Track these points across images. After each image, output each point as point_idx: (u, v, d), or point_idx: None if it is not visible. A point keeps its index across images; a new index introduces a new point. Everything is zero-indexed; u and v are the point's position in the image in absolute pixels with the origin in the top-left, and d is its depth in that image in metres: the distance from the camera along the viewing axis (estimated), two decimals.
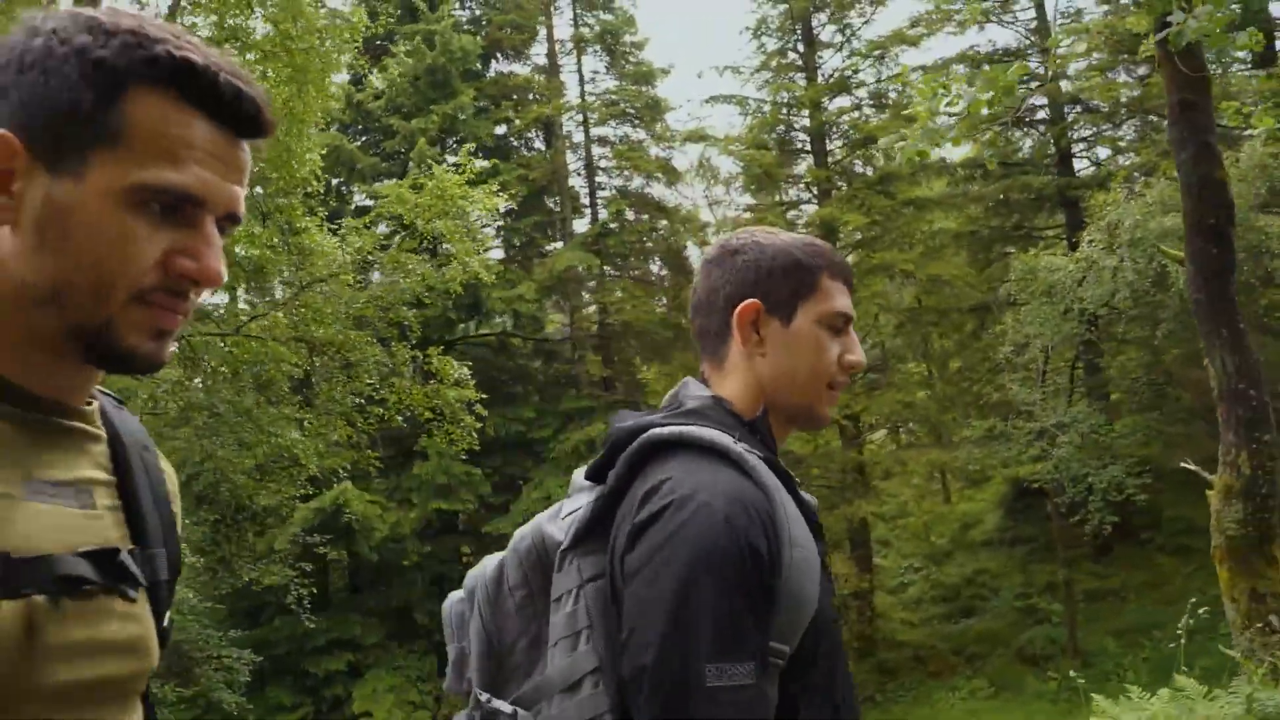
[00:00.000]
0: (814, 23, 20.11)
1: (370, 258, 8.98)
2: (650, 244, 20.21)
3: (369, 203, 18.58)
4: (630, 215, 20.87)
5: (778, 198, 20.66)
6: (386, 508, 17.59)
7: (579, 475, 1.34)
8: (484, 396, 10.75)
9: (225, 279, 0.86)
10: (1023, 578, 18.95)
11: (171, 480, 1.03)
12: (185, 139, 0.82)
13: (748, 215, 20.50)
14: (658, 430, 1.20)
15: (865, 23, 20.06)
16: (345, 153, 18.46)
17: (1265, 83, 12.20)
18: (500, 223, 21.75)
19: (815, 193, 20.18)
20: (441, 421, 10.08)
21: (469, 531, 20.06)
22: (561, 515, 1.27)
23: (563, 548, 1.21)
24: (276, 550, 16.36)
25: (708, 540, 1.08)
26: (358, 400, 9.64)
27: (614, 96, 20.70)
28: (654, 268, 21.04)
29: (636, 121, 21.30)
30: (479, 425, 10.36)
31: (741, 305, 1.32)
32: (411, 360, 9.70)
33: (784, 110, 20.15)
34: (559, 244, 20.24)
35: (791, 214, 20.56)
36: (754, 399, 1.32)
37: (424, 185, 9.35)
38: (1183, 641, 4.57)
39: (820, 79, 19.83)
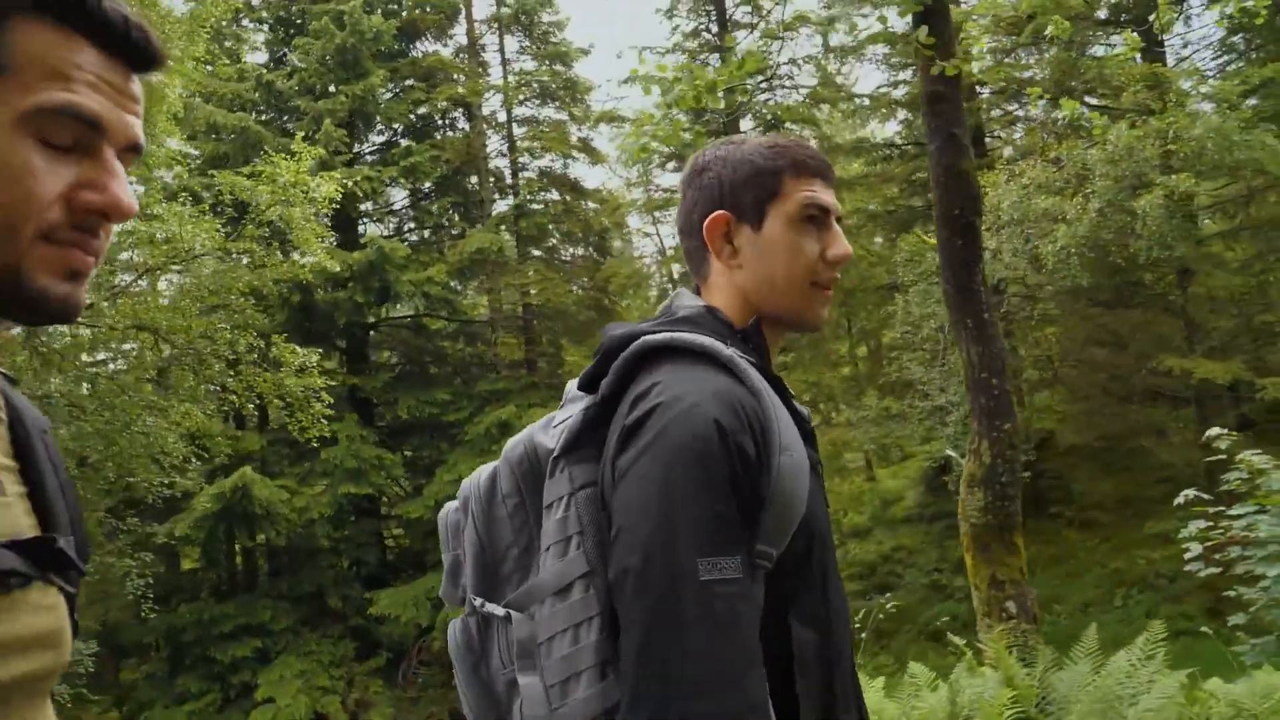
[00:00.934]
0: (728, 2, 20.01)
1: (207, 245, 8.83)
2: (568, 225, 20.08)
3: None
4: (554, 196, 20.74)
5: None
6: (297, 492, 17.48)
7: (571, 386, 1.34)
8: (332, 384, 10.65)
9: (136, 211, 0.82)
10: (938, 553, 19.17)
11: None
12: (75, 62, 0.79)
13: (663, 195, 20.44)
14: (650, 336, 1.21)
15: (777, 3, 19.94)
16: (253, 133, 18.18)
17: (1137, 68, 12.28)
18: (425, 203, 21.59)
19: None
20: (292, 409, 10.01)
21: (390, 515, 20.01)
22: (553, 424, 1.27)
23: (554, 455, 1.20)
24: (179, 537, 16.27)
25: (695, 439, 1.08)
26: (212, 388, 9.52)
27: (530, 77, 20.50)
28: (576, 249, 20.93)
29: (556, 102, 21.13)
30: (329, 413, 10.28)
31: (709, 218, 1.33)
32: (258, 348, 9.59)
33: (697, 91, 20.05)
34: (480, 226, 20.09)
35: None
36: (743, 309, 1.32)
37: (262, 172, 9.21)
38: (863, 636, 4.62)
39: (735, 59, 19.74)
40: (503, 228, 19.20)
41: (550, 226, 19.62)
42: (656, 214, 20.62)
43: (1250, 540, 4.70)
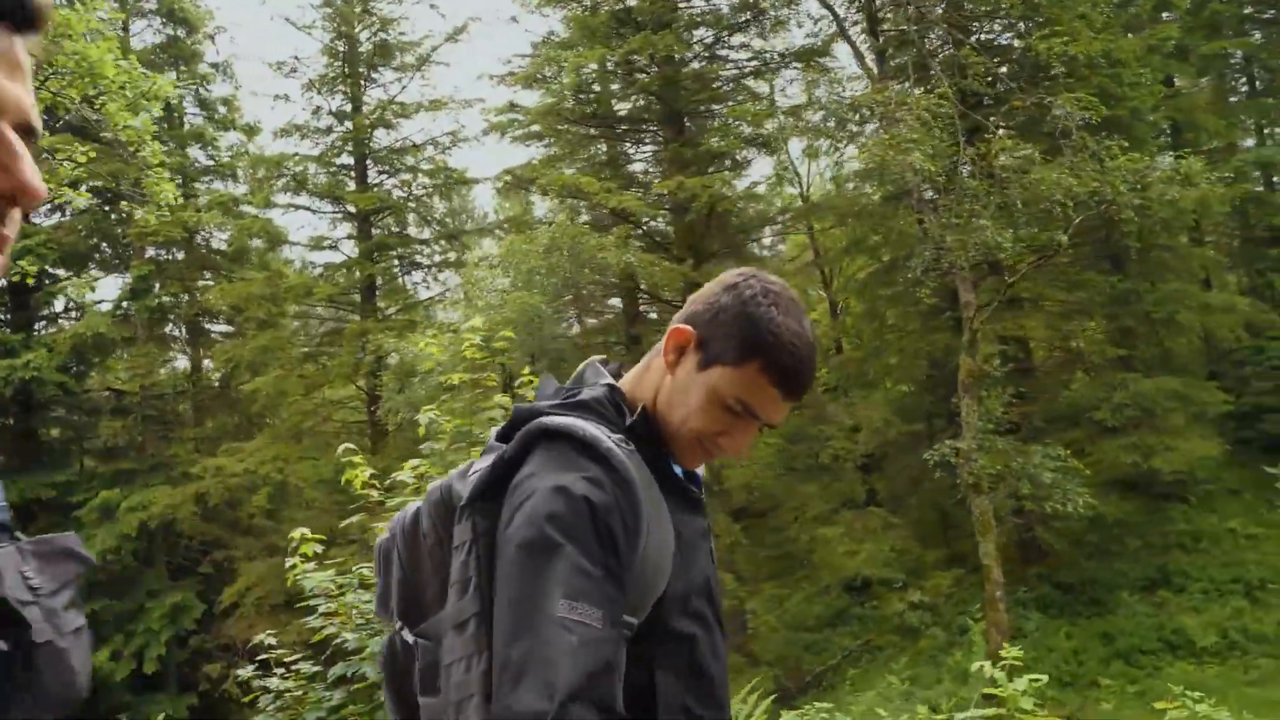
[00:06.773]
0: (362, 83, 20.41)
1: None
2: (209, 305, 19.89)
3: None
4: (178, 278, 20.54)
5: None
6: None
7: (493, 434, 1.42)
8: None
9: (45, 195, 0.70)
10: None
11: None
12: None
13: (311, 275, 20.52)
14: (546, 420, 1.30)
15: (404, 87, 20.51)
16: None
17: None
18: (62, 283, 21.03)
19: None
20: None
21: None
22: (469, 473, 1.35)
23: (462, 504, 1.30)
24: None
25: (566, 511, 1.18)
26: None
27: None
28: (217, 328, 20.77)
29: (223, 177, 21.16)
30: None
31: (680, 326, 1.39)
32: None
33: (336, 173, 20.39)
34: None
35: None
36: (650, 404, 1.39)
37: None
38: None
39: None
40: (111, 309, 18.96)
41: (174, 306, 19.47)
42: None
43: None
